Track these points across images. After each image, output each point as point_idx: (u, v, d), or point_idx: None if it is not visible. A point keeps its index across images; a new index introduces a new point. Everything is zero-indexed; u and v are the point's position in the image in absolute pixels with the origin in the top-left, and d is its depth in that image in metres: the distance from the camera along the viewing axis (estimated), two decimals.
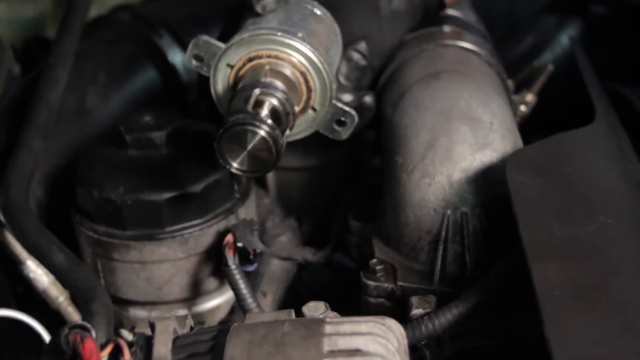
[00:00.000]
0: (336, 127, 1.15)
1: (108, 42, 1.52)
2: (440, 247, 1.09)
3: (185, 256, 1.24)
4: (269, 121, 1.05)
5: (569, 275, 0.88)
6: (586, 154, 1.06)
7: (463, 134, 1.11)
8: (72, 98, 1.40)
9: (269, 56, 1.11)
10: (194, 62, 1.14)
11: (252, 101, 1.05)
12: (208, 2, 1.63)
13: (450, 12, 1.43)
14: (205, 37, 1.12)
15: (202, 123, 1.35)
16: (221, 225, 1.25)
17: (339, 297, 1.16)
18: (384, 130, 1.24)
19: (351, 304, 1.14)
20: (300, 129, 1.15)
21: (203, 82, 1.17)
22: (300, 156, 1.38)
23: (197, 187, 1.22)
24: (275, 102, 1.07)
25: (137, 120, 1.29)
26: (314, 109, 1.14)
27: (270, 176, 1.40)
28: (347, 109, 1.14)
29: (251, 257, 1.21)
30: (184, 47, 1.53)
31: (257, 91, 1.06)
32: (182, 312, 1.28)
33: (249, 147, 1.05)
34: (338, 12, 1.23)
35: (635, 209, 1.00)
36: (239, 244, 1.20)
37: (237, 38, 1.11)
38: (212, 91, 1.14)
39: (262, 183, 1.40)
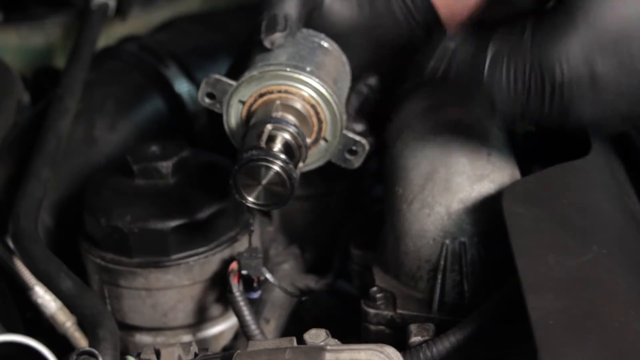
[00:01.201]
0: (348, 157, 1.18)
1: (116, 72, 1.55)
2: (439, 276, 1.11)
3: (190, 283, 1.26)
4: (282, 156, 1.07)
5: (564, 305, 0.90)
6: (582, 186, 1.08)
7: (462, 165, 1.13)
8: (81, 127, 1.42)
9: (280, 91, 1.13)
10: (207, 100, 1.16)
11: (264, 137, 1.08)
12: (213, 33, 1.66)
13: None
14: (216, 76, 1.15)
15: (208, 153, 1.38)
16: (225, 253, 1.28)
17: (341, 324, 1.18)
18: (386, 161, 1.26)
19: (353, 330, 1.16)
20: (313, 160, 1.17)
21: (213, 115, 1.19)
22: (303, 185, 1.40)
23: (202, 216, 1.24)
24: (287, 136, 1.09)
25: (144, 150, 1.32)
26: (325, 140, 1.16)
27: None
28: (357, 138, 1.16)
29: (255, 284, 1.24)
30: (190, 77, 1.56)
31: (269, 127, 1.09)
32: (187, 337, 1.30)
33: (264, 182, 1.07)
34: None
35: (629, 240, 1.03)
36: (244, 272, 1.23)
37: (247, 75, 1.13)
38: (226, 127, 1.16)
39: (265, 212, 1.43)
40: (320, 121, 1.14)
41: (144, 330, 1.30)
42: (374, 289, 1.14)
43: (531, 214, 1.01)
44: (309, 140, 1.14)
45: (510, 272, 0.97)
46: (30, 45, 1.78)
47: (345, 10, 1.23)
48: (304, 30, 1.20)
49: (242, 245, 1.29)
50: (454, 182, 1.12)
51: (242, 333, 1.24)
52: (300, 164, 1.12)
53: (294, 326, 1.35)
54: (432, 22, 1.42)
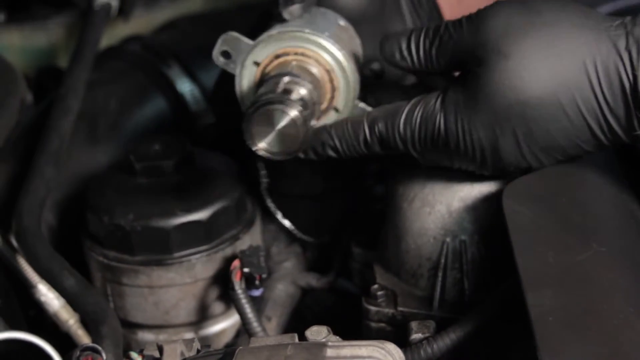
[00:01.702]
0: None
1: (118, 72, 1.55)
2: (440, 274, 1.11)
3: (192, 281, 1.27)
4: (299, 103, 1.07)
5: (563, 302, 0.90)
6: (581, 185, 1.08)
7: None
8: (84, 127, 1.43)
9: (296, 53, 1.13)
10: (221, 59, 1.16)
11: (281, 86, 1.08)
12: (216, 33, 1.67)
13: None
14: (234, 33, 1.15)
15: (210, 152, 1.38)
16: (228, 251, 1.28)
17: (342, 321, 1.18)
18: (387, 160, 1.27)
19: (354, 328, 1.17)
20: None
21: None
22: (304, 184, 1.41)
23: (204, 214, 1.25)
24: (303, 91, 1.09)
25: (147, 148, 1.32)
26: (336, 110, 1.16)
27: (276, 203, 1.43)
28: (369, 109, 1.16)
29: (257, 282, 1.24)
30: (192, 77, 1.57)
31: (286, 79, 1.09)
32: (189, 335, 1.30)
33: (279, 127, 1.07)
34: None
35: (628, 238, 1.03)
36: (245, 270, 1.24)
37: (265, 35, 1.13)
38: (237, 88, 1.16)
39: (267, 210, 1.43)
40: (333, 88, 1.15)
41: (146, 328, 1.31)
42: (375, 286, 1.15)
43: (531, 212, 1.01)
44: (321, 107, 1.14)
45: (510, 269, 0.98)
46: (33, 45, 1.78)
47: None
48: (321, 8, 1.20)
49: (244, 243, 1.30)
50: (455, 181, 1.12)
51: (244, 330, 1.24)
52: (314, 122, 1.12)
53: (296, 324, 1.36)
54: (435, 21, 1.44)
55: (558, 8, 1.01)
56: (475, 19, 1.03)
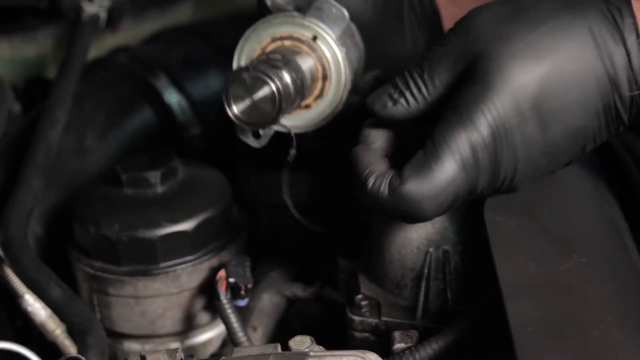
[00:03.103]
0: None
1: (106, 83, 1.56)
2: (423, 284, 1.12)
3: (178, 291, 1.28)
4: (285, 79, 1.09)
5: (543, 312, 0.91)
6: (563, 195, 1.09)
7: None
8: (71, 137, 1.44)
9: (298, 40, 1.15)
10: None
11: (272, 63, 1.10)
12: (203, 44, 1.68)
13: None
14: None
15: (196, 163, 1.39)
16: (213, 261, 1.29)
17: (328, 331, 1.19)
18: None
19: (340, 337, 1.18)
20: (305, 123, 1.19)
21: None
22: (290, 195, 1.41)
23: (190, 225, 1.26)
24: (291, 75, 1.11)
25: (133, 160, 1.33)
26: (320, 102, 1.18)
27: (262, 214, 1.44)
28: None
29: (242, 292, 1.25)
30: (179, 88, 1.58)
31: (278, 56, 1.11)
32: (175, 345, 1.31)
33: (255, 96, 1.09)
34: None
35: (609, 248, 1.04)
36: (231, 280, 1.24)
37: (270, 17, 1.16)
38: (234, 65, 1.18)
39: (253, 220, 1.44)
40: (324, 84, 1.16)
41: (133, 338, 1.31)
42: (359, 296, 1.16)
43: (512, 222, 1.02)
44: (310, 99, 1.16)
45: (492, 280, 0.99)
46: (22, 56, 1.79)
47: (359, 3, 1.26)
48: (334, 2, 1.20)
49: (229, 253, 1.31)
50: None
51: (229, 340, 1.25)
52: (296, 103, 1.14)
53: (282, 333, 1.37)
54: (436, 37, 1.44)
55: None
56: (460, 25, 1.02)
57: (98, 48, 1.73)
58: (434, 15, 1.42)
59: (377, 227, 1.17)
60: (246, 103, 1.10)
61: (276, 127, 1.17)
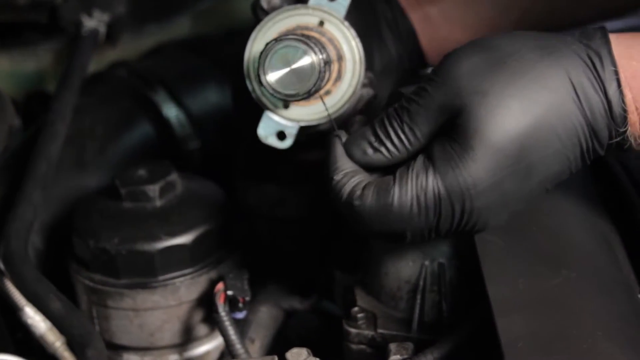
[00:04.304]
0: None
1: (105, 97, 1.57)
2: (419, 296, 1.13)
3: (176, 304, 1.29)
4: (321, 52, 1.08)
5: (532, 328, 0.92)
6: (553, 211, 1.10)
7: None
8: (71, 151, 1.45)
9: (302, 28, 1.15)
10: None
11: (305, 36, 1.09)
12: (201, 58, 1.69)
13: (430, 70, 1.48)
14: None
15: (195, 176, 1.40)
16: (212, 274, 1.30)
17: (325, 343, 1.20)
18: None
19: (336, 349, 1.19)
20: (329, 108, 1.17)
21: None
22: (289, 207, 1.43)
23: (189, 238, 1.27)
24: (323, 54, 1.10)
25: (132, 173, 1.34)
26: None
27: (260, 227, 1.45)
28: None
29: (240, 305, 1.26)
30: (178, 102, 1.59)
31: (310, 33, 1.11)
32: (174, 357, 1.32)
33: (295, 66, 1.07)
34: None
35: (599, 263, 1.06)
36: (229, 292, 1.25)
37: (292, 6, 1.15)
38: (247, 52, 1.17)
39: (251, 233, 1.45)
40: (340, 59, 1.15)
41: (132, 350, 1.32)
42: (355, 309, 1.17)
43: (502, 239, 1.04)
44: (329, 84, 1.15)
45: (483, 296, 1.00)
46: (22, 71, 1.80)
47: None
48: None
49: (227, 266, 1.32)
50: None
51: (227, 352, 1.26)
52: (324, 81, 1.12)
53: (280, 345, 1.37)
54: (416, 56, 1.46)
55: (512, 39, 1.00)
56: (438, 76, 1.00)
57: (97, 62, 1.74)
58: (410, 34, 1.44)
59: (372, 240, 1.19)
60: (282, 72, 1.08)
61: (302, 122, 1.16)
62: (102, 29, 1.73)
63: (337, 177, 1.03)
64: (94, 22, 1.72)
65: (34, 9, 1.69)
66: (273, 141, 1.18)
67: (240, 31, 1.67)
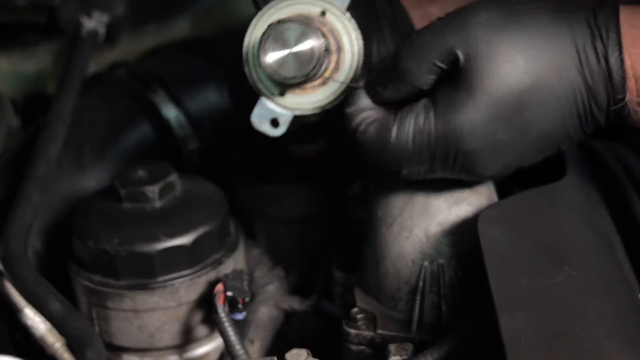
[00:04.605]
0: None
1: (105, 98, 1.57)
2: (418, 297, 1.13)
3: (176, 305, 1.29)
4: (322, 37, 1.09)
5: (535, 325, 0.93)
6: (556, 209, 1.11)
7: (440, 188, 1.16)
8: (70, 152, 1.45)
9: (304, 17, 1.13)
10: None
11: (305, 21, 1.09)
12: (201, 59, 1.69)
13: None
14: None
15: (194, 177, 1.40)
16: (211, 275, 1.30)
17: (326, 343, 1.20)
18: (367, 185, 1.29)
19: (336, 350, 1.19)
20: (324, 98, 1.17)
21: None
22: (288, 208, 1.43)
23: (188, 239, 1.27)
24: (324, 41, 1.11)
25: (131, 174, 1.34)
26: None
27: (259, 228, 1.45)
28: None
29: (240, 306, 1.26)
30: (177, 102, 1.59)
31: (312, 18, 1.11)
32: (173, 358, 1.32)
33: (295, 49, 1.08)
34: None
35: (601, 261, 1.06)
36: (229, 293, 1.25)
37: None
38: (247, 38, 1.17)
39: (251, 234, 1.45)
40: (339, 50, 1.15)
41: (131, 351, 1.32)
42: (355, 309, 1.17)
43: (505, 236, 1.04)
44: (327, 72, 1.15)
45: (486, 293, 1.00)
46: (21, 71, 1.80)
47: None
48: None
49: (227, 267, 1.32)
50: (433, 205, 1.14)
51: (227, 353, 1.26)
52: (321, 69, 1.13)
53: (280, 346, 1.38)
54: None
55: (532, 2, 1.05)
56: (455, 18, 1.05)
57: (97, 63, 1.74)
58: (410, 31, 1.44)
59: (372, 241, 1.19)
60: (282, 53, 1.08)
61: (297, 111, 1.16)
62: (102, 30, 1.73)
63: (348, 110, 1.10)
64: (93, 23, 1.72)
65: (33, 9, 1.69)
66: (266, 128, 1.18)
67: (240, 31, 1.68)
